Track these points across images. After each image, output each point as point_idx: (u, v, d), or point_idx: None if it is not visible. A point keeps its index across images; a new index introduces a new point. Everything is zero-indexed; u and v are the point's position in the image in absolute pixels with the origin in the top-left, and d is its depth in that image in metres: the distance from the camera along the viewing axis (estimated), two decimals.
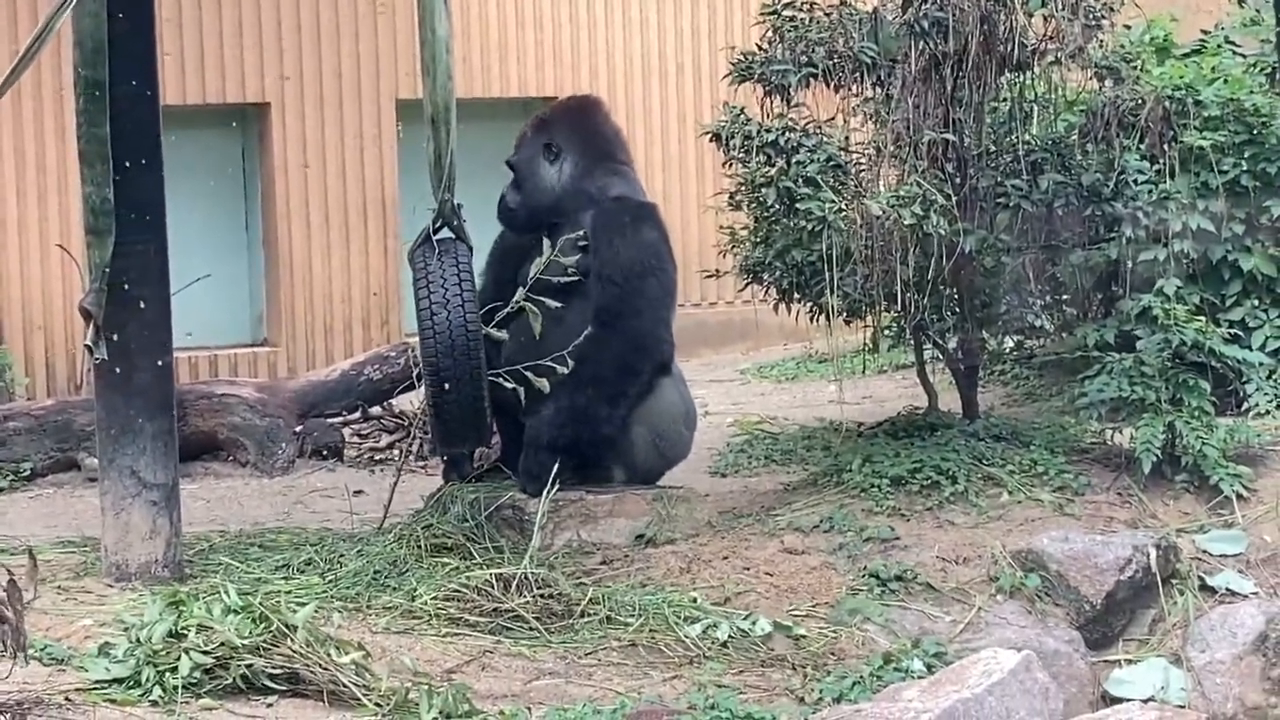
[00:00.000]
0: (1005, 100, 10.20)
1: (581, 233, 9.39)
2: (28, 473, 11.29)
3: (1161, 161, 10.47)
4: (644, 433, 9.44)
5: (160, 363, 8.58)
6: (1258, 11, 13.51)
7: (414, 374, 11.58)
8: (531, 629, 7.86)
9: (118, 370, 8.46)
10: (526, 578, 8.12)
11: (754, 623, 7.89)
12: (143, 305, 8.49)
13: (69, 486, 11.28)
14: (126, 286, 8.40)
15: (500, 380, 8.88)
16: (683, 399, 9.79)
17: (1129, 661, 8.59)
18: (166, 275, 8.66)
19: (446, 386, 8.83)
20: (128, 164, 8.41)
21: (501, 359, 9.57)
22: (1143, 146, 10.28)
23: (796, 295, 10.41)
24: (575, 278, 9.29)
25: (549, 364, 8.83)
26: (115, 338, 8.39)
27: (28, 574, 6.07)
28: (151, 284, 8.54)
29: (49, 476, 11.39)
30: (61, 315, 14.17)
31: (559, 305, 9.22)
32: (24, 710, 6.10)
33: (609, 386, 9.09)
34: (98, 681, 6.66)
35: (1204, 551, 9.12)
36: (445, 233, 9.02)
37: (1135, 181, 10.54)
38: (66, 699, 6.47)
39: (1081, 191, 10.14)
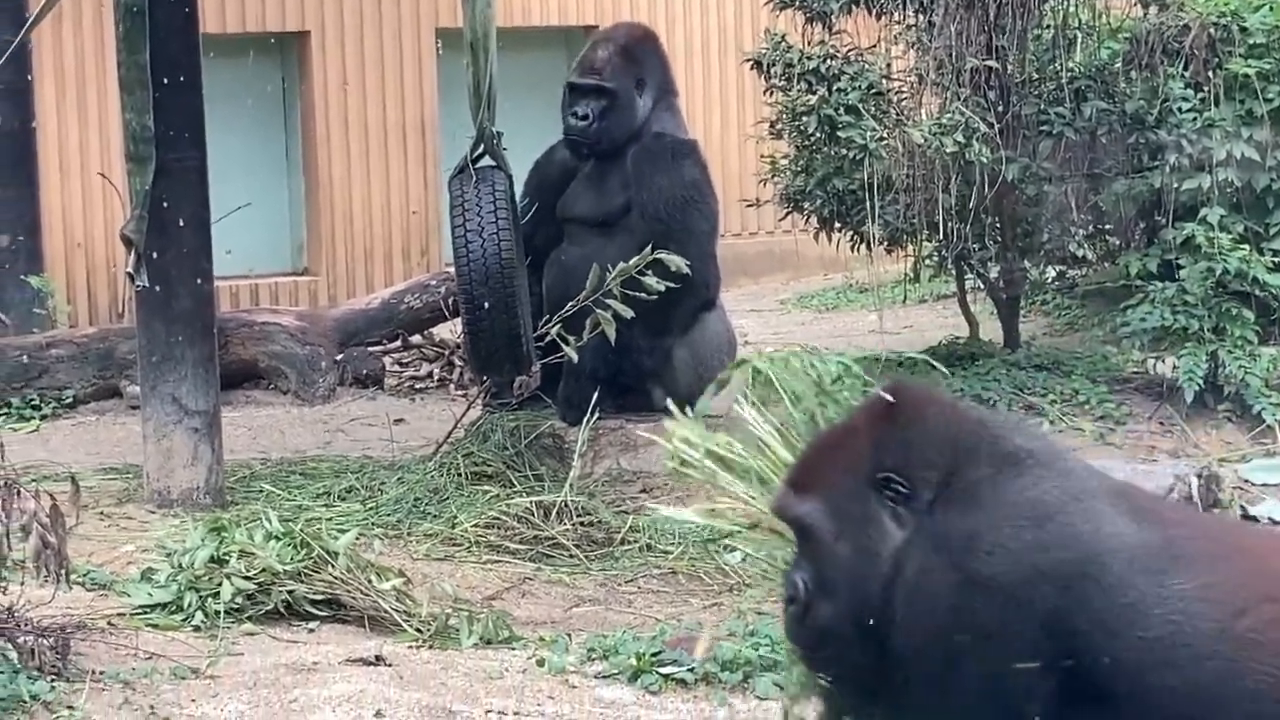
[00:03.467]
0: (1048, 27, 10.12)
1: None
2: (70, 400, 11.31)
3: (1206, 89, 10.38)
4: (686, 362, 9.44)
5: (201, 289, 8.60)
6: None
7: (448, 301, 11.62)
8: (571, 556, 7.88)
9: (159, 297, 8.48)
10: (566, 505, 8.13)
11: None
12: (183, 231, 8.50)
13: (111, 414, 11.31)
14: (167, 210, 8.41)
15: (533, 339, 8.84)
16: (725, 329, 9.78)
17: None
18: (206, 200, 8.67)
19: (481, 313, 8.83)
20: (165, 80, 8.39)
21: (541, 288, 9.59)
22: (1187, 74, 10.20)
23: (837, 224, 10.38)
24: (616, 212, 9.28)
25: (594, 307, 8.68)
26: (156, 264, 8.40)
27: (70, 500, 6.08)
28: (192, 209, 8.55)
29: (91, 404, 11.41)
30: (103, 242, 14.18)
31: (600, 239, 9.21)
32: (67, 634, 6.13)
33: (652, 319, 9.07)
34: (140, 607, 6.69)
35: (1246, 481, 9.08)
36: (484, 160, 9.01)
37: (1179, 109, 10.45)
38: (109, 624, 6.51)
39: (1125, 119, 10.07)
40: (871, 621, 3.83)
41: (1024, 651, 3.72)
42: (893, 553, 3.83)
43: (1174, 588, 3.72)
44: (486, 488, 8.58)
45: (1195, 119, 10.57)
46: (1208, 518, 4.26)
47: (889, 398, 4.00)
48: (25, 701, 5.70)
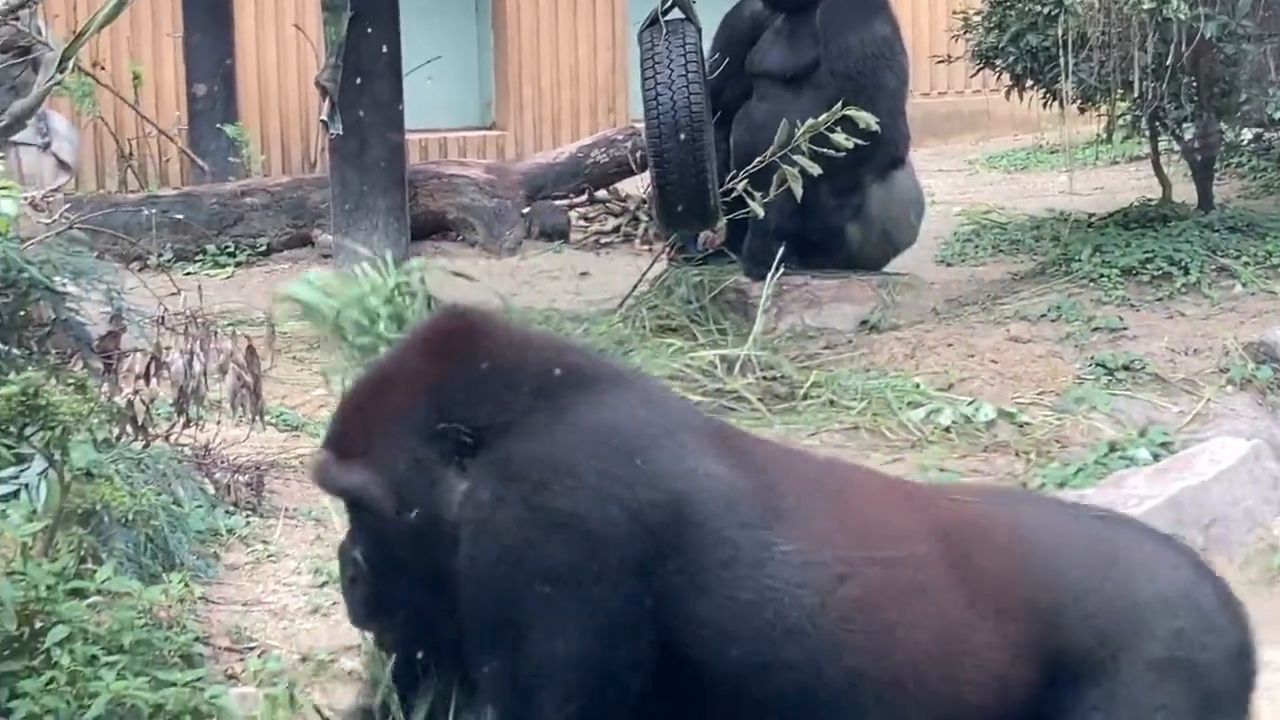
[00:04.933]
0: None
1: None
2: (264, 248, 11.51)
3: None
4: (872, 220, 9.39)
5: (392, 140, 8.70)
6: None
7: (635, 156, 11.63)
8: (754, 410, 7.91)
9: (352, 146, 8.59)
10: (750, 360, 8.16)
11: (978, 409, 7.86)
12: (376, 82, 8.59)
13: (303, 262, 11.49)
14: (360, 60, 8.49)
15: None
16: (913, 187, 9.71)
17: None
18: (399, 52, 8.74)
19: (669, 167, 8.83)
20: None
21: (729, 143, 9.56)
22: None
23: (1029, 82, 10.24)
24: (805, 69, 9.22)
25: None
26: (349, 113, 8.50)
27: (266, 343, 6.21)
28: (384, 60, 8.63)
29: (284, 252, 11.61)
30: (297, 92, 14.35)
31: (788, 95, 9.16)
32: (261, 471, 6.29)
33: (839, 176, 9.01)
34: None
35: None
36: (674, 13, 8.98)
37: None
38: (300, 462, 6.66)
39: None
40: (446, 586, 3.28)
41: (613, 604, 3.17)
42: (460, 502, 3.28)
43: (775, 548, 3.20)
44: (670, 341, 8.63)
45: None
46: (811, 461, 3.52)
47: (434, 333, 3.44)
48: (222, 534, 5.87)
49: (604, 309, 9.44)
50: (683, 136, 8.75)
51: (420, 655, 3.41)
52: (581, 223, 12.56)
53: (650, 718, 3.26)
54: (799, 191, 8.45)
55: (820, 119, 8.64)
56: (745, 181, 8.73)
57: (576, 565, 3.16)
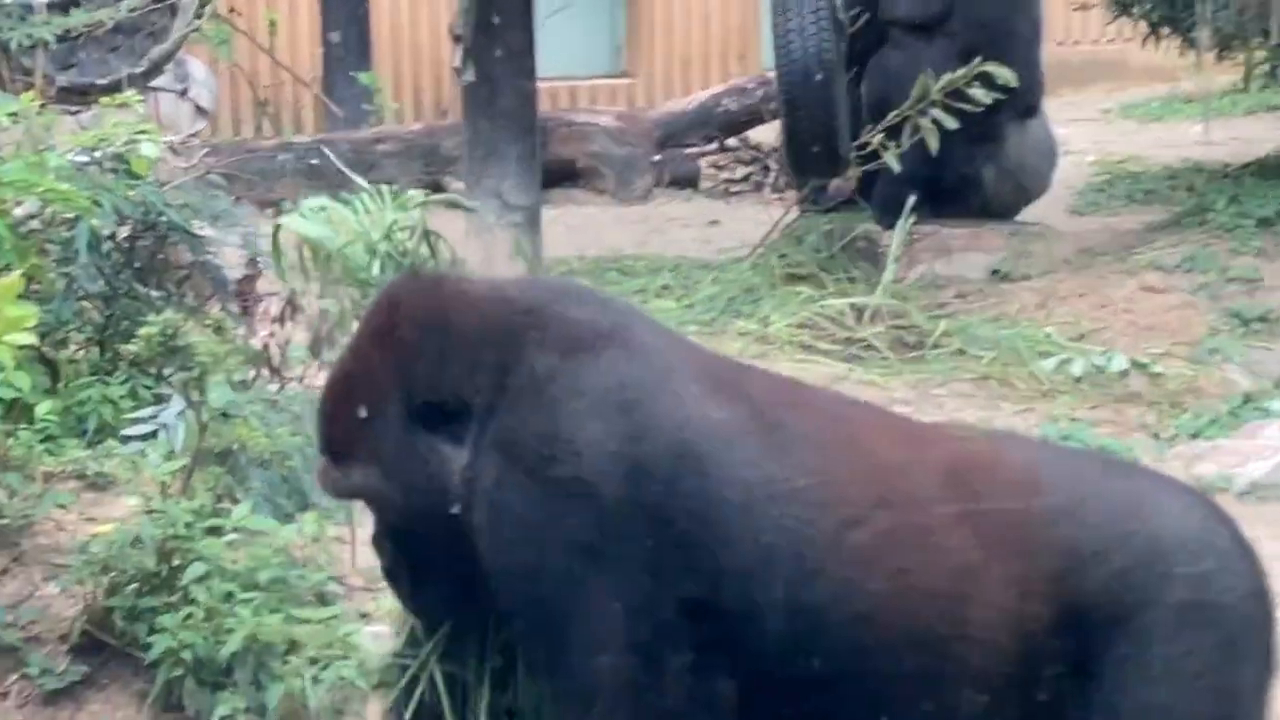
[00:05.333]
0: None
1: None
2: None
3: None
4: (1005, 168, 9.34)
5: (524, 87, 8.72)
6: None
7: (766, 104, 11.61)
8: (883, 358, 7.91)
9: (484, 93, 8.63)
10: (880, 308, 8.15)
11: (1110, 359, 7.80)
12: (508, 30, 8.61)
13: (435, 209, 11.58)
14: (494, 8, 8.52)
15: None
16: (1046, 136, 9.64)
17: None
18: (531, 1, 8.76)
19: (800, 115, 8.82)
20: None
21: (860, 90, 9.53)
22: None
23: (1166, 29, 10.12)
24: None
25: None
26: (482, 61, 8.54)
27: None
28: (517, 8, 8.65)
29: None
30: (430, 39, 14.42)
31: (920, 43, 9.11)
32: None
33: (973, 126, 8.95)
34: None
35: None
36: None
37: None
38: None
39: None
40: (473, 560, 3.16)
41: (640, 564, 3.07)
42: (463, 476, 3.14)
43: (784, 486, 3.08)
44: (800, 289, 8.63)
45: None
46: (813, 399, 3.34)
47: (394, 304, 3.22)
48: None
49: (733, 257, 9.46)
50: (814, 83, 8.74)
51: (469, 634, 3.31)
52: (711, 171, 12.57)
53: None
54: (935, 146, 8.43)
55: (957, 74, 8.59)
56: (880, 134, 8.70)
57: (596, 532, 3.05)
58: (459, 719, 3.30)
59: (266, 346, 5.86)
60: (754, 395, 3.19)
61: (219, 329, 5.40)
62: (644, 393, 3.10)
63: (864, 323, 8.09)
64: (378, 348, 3.19)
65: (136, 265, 6.34)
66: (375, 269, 3.56)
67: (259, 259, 5.94)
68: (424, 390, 3.13)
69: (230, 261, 5.92)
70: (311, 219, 3.66)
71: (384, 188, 3.73)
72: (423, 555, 3.22)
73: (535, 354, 3.12)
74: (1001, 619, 3.12)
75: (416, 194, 3.74)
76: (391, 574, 3.34)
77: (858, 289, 8.52)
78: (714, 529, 3.07)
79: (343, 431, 3.21)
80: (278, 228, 3.90)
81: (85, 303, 6.26)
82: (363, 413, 3.17)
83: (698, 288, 8.86)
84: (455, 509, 3.14)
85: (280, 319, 5.86)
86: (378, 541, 3.32)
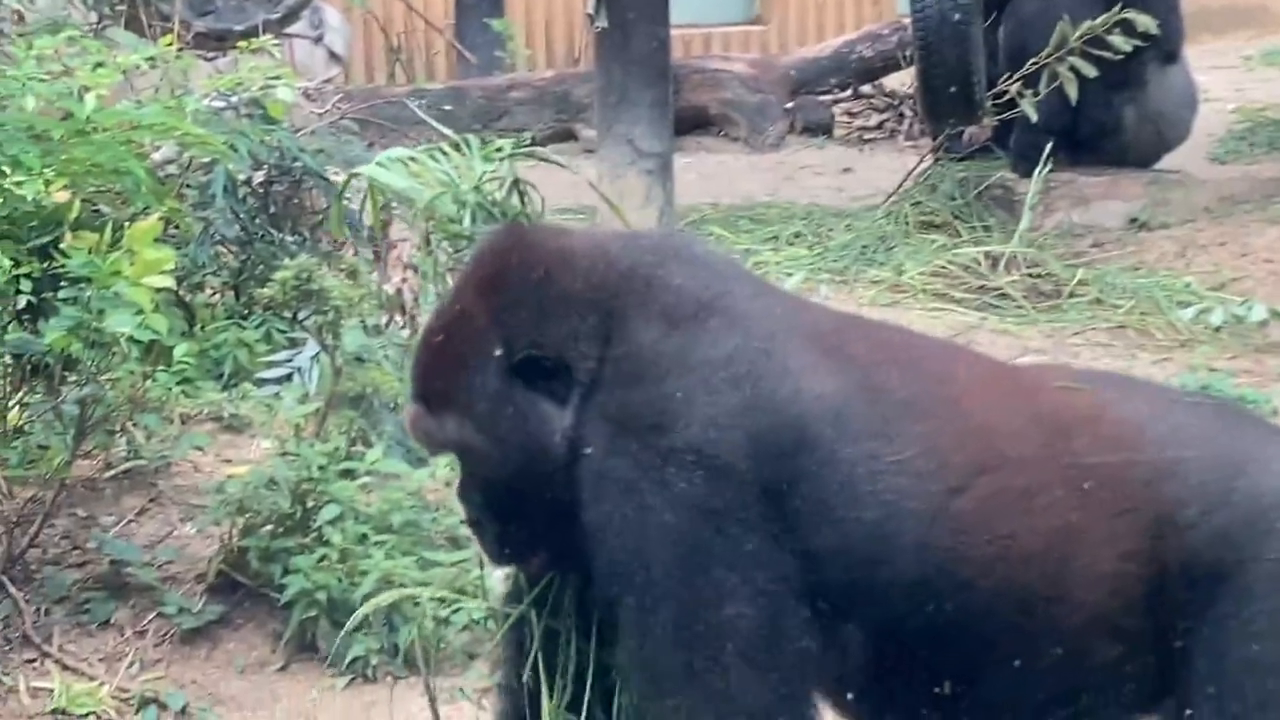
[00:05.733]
0: None
1: None
2: (528, 141, 11.64)
3: None
4: (1145, 116, 9.22)
5: (657, 33, 8.68)
6: None
7: (901, 51, 11.51)
8: (1018, 307, 7.83)
9: (617, 40, 8.60)
10: (1015, 257, 8.07)
11: (1250, 308, 7.67)
12: None
13: (566, 156, 11.53)
14: None
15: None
16: (1187, 84, 9.49)
17: None
18: None
19: (936, 61, 8.74)
20: None
21: (998, 39, 9.43)
22: None
23: None
24: None
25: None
26: (615, 7, 8.52)
27: None
28: None
29: (548, 146, 11.71)
30: None
31: None
32: None
33: (1111, 72, 8.82)
34: None
35: None
36: None
37: None
38: None
39: None
40: (567, 517, 3.12)
41: (752, 538, 3.03)
42: (565, 437, 3.11)
43: (887, 459, 3.07)
44: (934, 237, 8.57)
45: None
46: (919, 357, 3.27)
47: (493, 256, 3.18)
48: None
49: (867, 205, 9.39)
50: (950, 29, 8.66)
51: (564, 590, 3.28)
52: (845, 118, 12.48)
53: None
54: (1074, 94, 8.33)
55: (1097, 21, 8.48)
56: (1018, 82, 8.61)
57: (709, 501, 3.03)
58: (552, 671, 3.28)
59: (399, 291, 5.90)
60: (857, 357, 3.16)
61: (353, 273, 5.43)
62: (750, 365, 3.07)
63: (999, 272, 8.01)
64: (480, 299, 3.14)
65: (272, 210, 6.40)
66: (466, 221, 3.48)
67: (391, 205, 5.96)
68: (525, 345, 3.09)
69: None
70: (393, 169, 3.59)
71: (470, 137, 3.65)
72: (512, 510, 3.19)
73: (640, 324, 3.09)
74: (1102, 580, 3.09)
75: (505, 144, 3.65)
76: (478, 526, 3.30)
77: (993, 238, 8.44)
78: (820, 505, 3.05)
79: (439, 381, 3.16)
80: (351, 176, 3.85)
81: (221, 247, 6.34)
82: (461, 363, 3.13)
83: (830, 236, 8.81)
84: (553, 468, 3.10)
85: (413, 264, 5.89)
86: (464, 493, 3.28)
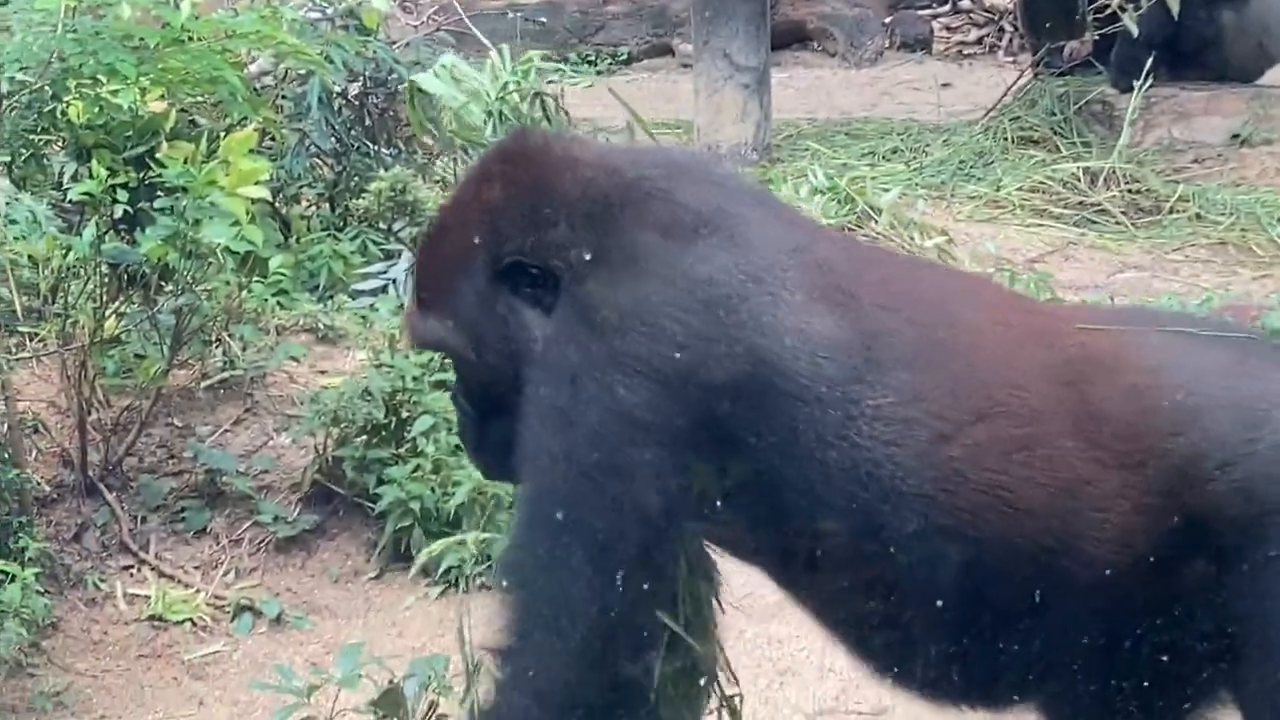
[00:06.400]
0: None
1: None
2: (625, 56, 11.58)
3: None
4: (1248, 30, 9.06)
5: None
6: None
7: None
8: (1117, 223, 7.77)
9: None
10: (1114, 172, 7.99)
11: None
12: None
13: (663, 71, 11.54)
14: None
15: None
16: None
17: None
18: None
19: None
20: None
21: None
22: None
23: None
24: None
25: None
26: None
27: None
28: None
29: (644, 61, 11.67)
30: None
31: None
32: None
33: None
34: None
35: None
36: None
37: None
38: None
39: None
40: None
41: (669, 463, 2.96)
42: (542, 341, 3.05)
43: (866, 403, 2.95)
44: (1032, 153, 8.50)
45: None
46: (928, 293, 3.15)
47: (496, 161, 3.15)
48: None
49: (965, 120, 9.31)
50: None
51: None
52: (944, 33, 12.36)
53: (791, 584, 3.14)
54: (1175, 8, 8.21)
55: None
56: None
57: (639, 414, 2.93)
58: None
59: None
60: (862, 297, 3.03)
61: (446, 185, 5.43)
62: (734, 289, 2.97)
63: (1098, 187, 7.94)
64: (473, 202, 3.11)
65: (366, 122, 6.41)
66: (489, 129, 3.54)
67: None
68: (512, 250, 3.04)
69: None
70: (442, 77, 3.62)
71: (504, 48, 3.67)
72: (492, 415, 3.15)
73: (633, 233, 3.01)
74: (1114, 534, 2.98)
75: (534, 55, 3.69)
76: (461, 429, 3.31)
77: (1092, 153, 8.36)
78: (788, 446, 2.95)
79: (430, 281, 3.16)
80: (412, 84, 3.85)
81: (317, 159, 6.36)
82: (452, 265, 3.11)
83: (928, 152, 8.74)
84: (531, 366, 3.04)
85: None
86: (454, 396, 3.29)
